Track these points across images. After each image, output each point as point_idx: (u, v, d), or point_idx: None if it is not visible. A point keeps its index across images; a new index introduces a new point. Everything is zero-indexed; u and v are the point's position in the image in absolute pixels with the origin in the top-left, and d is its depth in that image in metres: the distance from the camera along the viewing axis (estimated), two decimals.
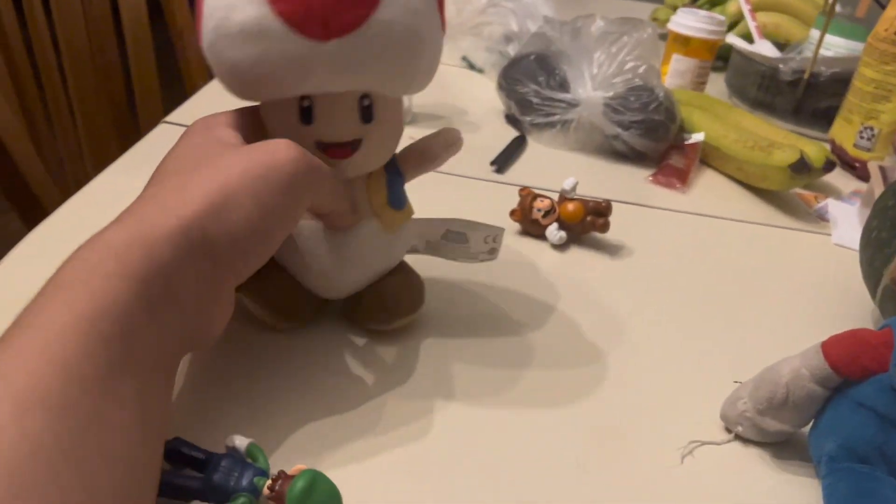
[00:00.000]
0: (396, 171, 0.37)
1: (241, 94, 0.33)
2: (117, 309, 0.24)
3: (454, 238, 0.42)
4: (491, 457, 0.33)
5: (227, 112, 0.34)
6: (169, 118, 0.61)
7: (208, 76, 0.96)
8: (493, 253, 0.43)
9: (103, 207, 0.48)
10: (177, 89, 1.01)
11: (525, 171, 0.63)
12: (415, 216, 0.39)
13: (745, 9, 0.95)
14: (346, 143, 0.33)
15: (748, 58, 0.85)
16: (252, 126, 0.34)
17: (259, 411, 0.33)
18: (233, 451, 0.29)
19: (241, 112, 0.34)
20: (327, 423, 0.33)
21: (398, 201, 0.37)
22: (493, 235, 0.42)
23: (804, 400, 0.32)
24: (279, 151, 0.29)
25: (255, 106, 0.34)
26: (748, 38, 0.94)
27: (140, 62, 0.91)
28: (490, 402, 0.36)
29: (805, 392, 0.32)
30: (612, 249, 0.52)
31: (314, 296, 0.38)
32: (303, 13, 0.29)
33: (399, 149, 0.37)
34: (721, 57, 0.99)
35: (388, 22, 0.30)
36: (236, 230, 0.28)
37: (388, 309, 0.38)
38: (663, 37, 0.84)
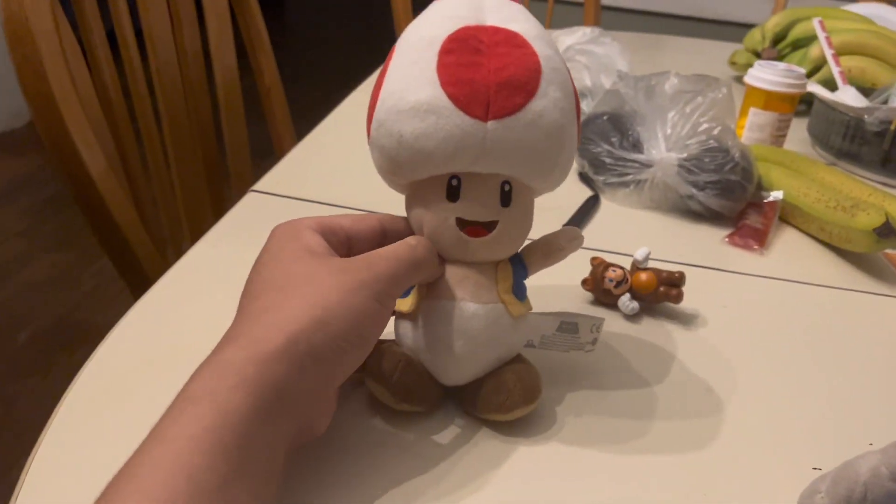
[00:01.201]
0: (521, 263, 0.40)
1: (398, 170, 0.37)
2: (237, 420, 0.27)
3: (567, 329, 0.43)
4: None
5: (308, 218, 0.37)
6: (257, 187, 0.64)
7: (295, 138, 1.01)
8: (594, 343, 0.44)
9: (201, 277, 0.51)
10: (265, 148, 1.06)
11: (598, 232, 0.64)
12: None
13: (828, 54, 0.93)
14: (484, 224, 0.37)
15: (832, 107, 0.83)
16: (331, 232, 0.37)
17: (362, 490, 0.35)
18: None
19: (320, 218, 0.37)
20: None
21: (521, 292, 0.39)
22: (596, 325, 0.43)
23: (883, 499, 0.32)
24: (380, 265, 0.34)
25: (345, 218, 0.38)
26: (832, 83, 0.91)
27: (232, 122, 0.97)
28: (573, 475, 0.36)
29: (884, 491, 0.31)
30: (686, 319, 0.52)
31: (437, 383, 0.39)
32: (469, 94, 0.34)
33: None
34: (805, 101, 0.97)
35: (539, 113, 0.35)
36: (339, 336, 0.32)
37: (509, 397, 0.38)
38: (739, 79, 0.83)
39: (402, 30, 1.49)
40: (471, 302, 0.37)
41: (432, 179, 0.37)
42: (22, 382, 1.40)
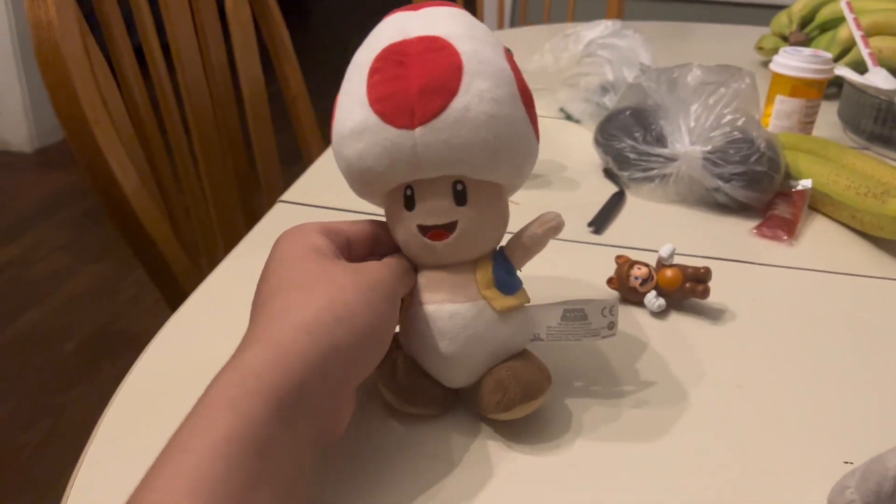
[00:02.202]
0: (503, 257, 0.40)
1: (360, 191, 0.40)
2: (257, 426, 0.27)
3: (573, 316, 0.42)
4: None
5: (312, 222, 0.38)
6: (285, 197, 0.66)
7: (323, 143, 1.03)
8: (612, 328, 0.42)
9: (234, 288, 0.53)
10: (293, 154, 1.08)
11: (623, 229, 0.64)
12: (531, 304, 0.40)
13: (857, 35, 0.91)
14: (443, 226, 0.38)
15: (861, 90, 0.82)
16: (333, 234, 0.38)
17: (376, 490, 0.36)
18: None
19: (322, 223, 0.38)
20: None
21: (506, 286, 0.39)
22: (608, 307, 0.41)
23: None
24: (381, 269, 0.35)
25: (343, 222, 0.39)
26: (862, 65, 0.90)
27: (259, 131, 0.99)
28: (600, 473, 0.37)
29: None
30: (714, 314, 0.51)
31: (441, 385, 0.40)
32: (394, 107, 0.35)
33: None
34: (835, 83, 0.95)
35: (464, 108, 0.35)
36: (360, 333, 0.33)
37: (506, 395, 0.38)
38: (767, 64, 0.82)
39: None
40: (448, 303, 0.38)
41: (392, 193, 0.39)
42: (70, 391, 1.44)
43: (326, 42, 3.92)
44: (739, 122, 0.64)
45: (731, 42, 1.30)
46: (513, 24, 2.63)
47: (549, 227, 0.40)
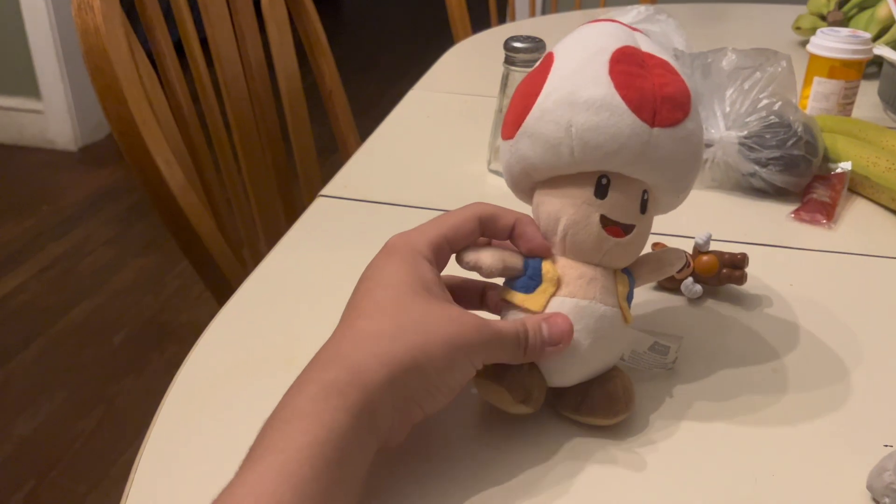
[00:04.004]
0: (630, 275, 0.42)
1: (553, 161, 0.38)
2: (339, 437, 0.30)
3: (658, 350, 0.45)
4: None
5: (421, 236, 0.38)
6: (325, 191, 0.67)
7: (359, 136, 1.04)
8: (675, 362, 0.45)
9: (279, 283, 0.54)
10: (330, 146, 1.10)
11: (660, 216, 0.64)
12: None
13: None
14: (624, 226, 0.39)
15: None
16: (439, 250, 0.38)
17: (455, 490, 0.37)
18: None
19: (430, 237, 0.38)
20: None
21: (631, 301, 0.41)
22: (680, 346, 0.45)
23: None
24: (476, 333, 0.35)
25: (447, 227, 0.39)
26: None
27: (297, 125, 1.01)
28: (645, 459, 0.38)
29: None
30: (751, 300, 0.52)
31: (545, 384, 0.39)
32: (640, 99, 0.37)
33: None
34: (875, 63, 0.93)
35: (692, 131, 0.39)
36: (432, 385, 0.34)
37: (616, 403, 0.39)
38: (805, 45, 0.81)
39: (456, 22, 1.49)
40: (601, 303, 0.39)
41: (580, 175, 0.39)
42: (120, 382, 1.49)
43: (358, 30, 3.94)
44: (776, 107, 0.64)
45: (768, 22, 1.27)
46: (544, 12, 2.61)
47: (680, 261, 0.43)
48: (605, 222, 0.38)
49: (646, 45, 0.39)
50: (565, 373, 0.39)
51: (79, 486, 1.25)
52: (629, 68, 0.37)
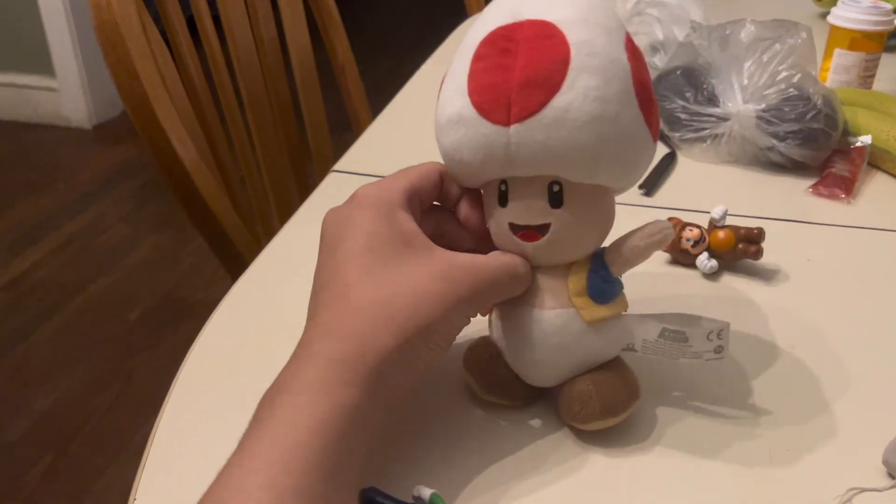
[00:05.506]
0: (602, 264, 0.37)
1: (458, 180, 0.39)
2: (350, 410, 0.30)
3: (672, 337, 0.38)
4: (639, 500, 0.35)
5: (393, 186, 0.37)
6: (337, 167, 0.67)
7: (371, 112, 1.04)
8: (720, 351, 0.38)
9: (292, 259, 0.55)
10: (343, 122, 1.10)
11: (675, 191, 0.63)
12: (628, 312, 0.38)
13: None
14: (535, 227, 0.36)
15: None
16: (413, 199, 0.37)
17: (444, 468, 0.37)
18: (418, 501, 0.33)
19: (403, 188, 0.37)
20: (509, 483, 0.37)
21: (600, 295, 0.37)
22: (716, 331, 0.38)
23: None
24: (473, 279, 0.35)
25: (415, 176, 0.38)
26: None
27: (309, 101, 1.00)
28: (650, 441, 0.38)
29: None
30: (767, 275, 0.51)
31: (523, 381, 0.39)
32: (491, 100, 0.34)
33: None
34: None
35: (565, 108, 0.33)
36: (436, 343, 0.34)
37: (584, 408, 0.37)
38: (825, 16, 0.79)
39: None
40: (536, 308, 0.37)
41: (488, 185, 0.37)
42: (136, 357, 1.51)
43: (372, 11, 3.91)
44: (795, 79, 0.63)
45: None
46: None
47: (651, 241, 0.36)
48: (514, 229, 0.36)
49: (531, 8, 0.34)
50: (528, 374, 0.39)
51: (97, 459, 1.27)
52: (487, 63, 0.34)
